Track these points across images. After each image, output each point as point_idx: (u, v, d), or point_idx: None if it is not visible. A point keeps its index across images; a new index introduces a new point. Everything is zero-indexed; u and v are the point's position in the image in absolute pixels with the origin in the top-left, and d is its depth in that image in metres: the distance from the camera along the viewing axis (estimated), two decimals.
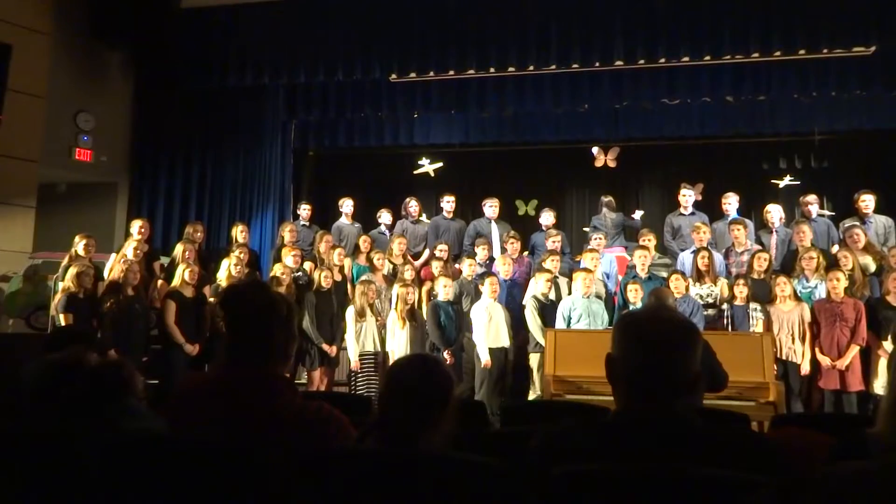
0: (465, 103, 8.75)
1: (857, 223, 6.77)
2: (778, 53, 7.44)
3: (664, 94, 8.35)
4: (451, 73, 8.21)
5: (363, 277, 6.88)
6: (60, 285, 6.18)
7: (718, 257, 6.79)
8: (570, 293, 6.52)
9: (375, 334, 6.43)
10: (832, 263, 6.26)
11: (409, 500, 1.64)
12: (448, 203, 8.14)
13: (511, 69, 8.01)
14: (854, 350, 5.72)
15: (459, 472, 1.68)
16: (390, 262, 7.41)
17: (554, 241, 7.28)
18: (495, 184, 9.44)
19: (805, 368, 5.84)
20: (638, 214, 8.50)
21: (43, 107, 7.69)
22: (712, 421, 2.46)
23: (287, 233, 7.63)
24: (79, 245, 6.51)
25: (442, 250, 7.44)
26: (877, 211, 6.99)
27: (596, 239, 7.36)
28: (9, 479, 1.88)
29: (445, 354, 6.20)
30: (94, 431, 2.08)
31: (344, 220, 8.30)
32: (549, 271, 6.61)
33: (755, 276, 6.36)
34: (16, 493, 1.87)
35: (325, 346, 6.50)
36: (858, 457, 1.76)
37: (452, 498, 1.64)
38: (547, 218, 7.86)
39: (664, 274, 6.65)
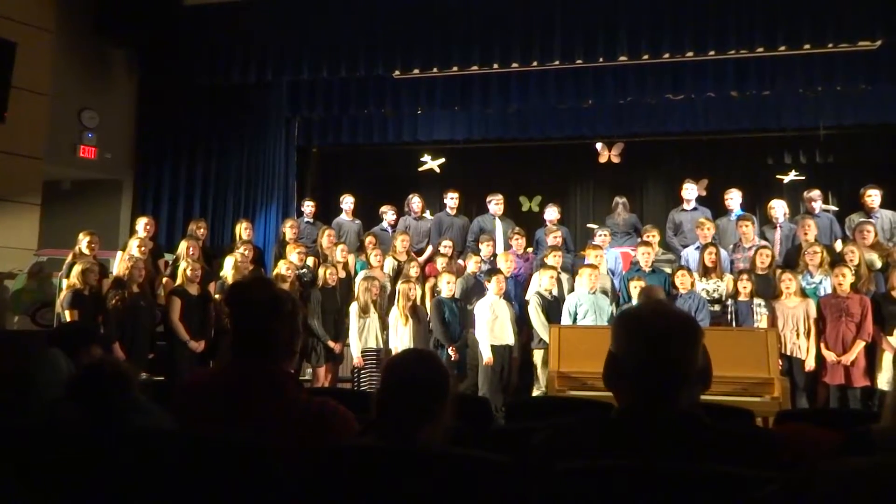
0: (469, 100, 8.72)
1: (868, 219, 6.74)
2: (783, 48, 7.39)
3: (668, 90, 8.31)
4: (455, 69, 8.17)
5: (366, 274, 6.88)
6: (65, 282, 6.19)
7: (724, 253, 6.77)
8: (571, 289, 6.51)
9: (378, 331, 6.44)
10: (835, 259, 6.24)
11: (412, 496, 1.65)
12: (452, 199, 8.13)
13: (514, 65, 7.97)
14: (859, 345, 5.70)
15: (462, 468, 1.68)
16: (394, 258, 7.41)
17: (554, 236, 7.27)
18: (499, 180, 9.40)
19: (810, 364, 5.83)
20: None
21: (47, 104, 7.69)
22: (717, 417, 2.46)
23: (288, 229, 7.63)
24: (82, 242, 6.50)
25: (446, 246, 7.44)
26: (883, 206, 6.97)
27: (601, 235, 7.35)
28: (21, 471, 1.89)
29: (450, 351, 6.21)
30: (108, 424, 2.09)
31: (344, 217, 8.30)
32: (552, 268, 6.60)
33: (758, 271, 6.35)
34: (29, 486, 1.88)
35: (331, 343, 6.51)
36: (864, 452, 1.76)
37: (455, 494, 1.64)
38: (551, 214, 7.85)
39: (668, 270, 6.64)
